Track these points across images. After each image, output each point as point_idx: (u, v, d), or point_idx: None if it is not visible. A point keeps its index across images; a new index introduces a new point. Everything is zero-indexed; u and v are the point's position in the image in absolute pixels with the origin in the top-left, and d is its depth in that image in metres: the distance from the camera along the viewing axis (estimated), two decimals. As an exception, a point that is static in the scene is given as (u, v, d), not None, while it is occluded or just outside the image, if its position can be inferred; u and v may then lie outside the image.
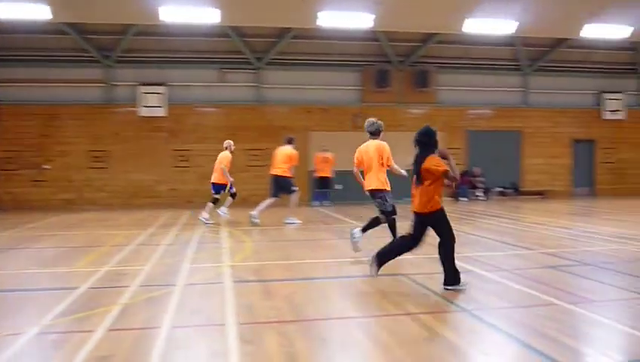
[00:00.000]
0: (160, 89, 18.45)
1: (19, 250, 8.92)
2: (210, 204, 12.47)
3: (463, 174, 20.01)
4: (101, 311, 4.87)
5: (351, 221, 12.70)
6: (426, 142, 5.78)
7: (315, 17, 16.98)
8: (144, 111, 18.38)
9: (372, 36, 19.31)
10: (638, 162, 21.76)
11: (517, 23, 17.92)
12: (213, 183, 12.56)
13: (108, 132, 18.47)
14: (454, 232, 5.69)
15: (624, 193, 20.69)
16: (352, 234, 7.73)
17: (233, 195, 12.91)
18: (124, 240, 9.59)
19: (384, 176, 7.88)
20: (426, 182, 5.58)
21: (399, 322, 4.52)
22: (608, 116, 21.32)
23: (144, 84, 18.42)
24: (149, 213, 15.15)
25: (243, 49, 18.94)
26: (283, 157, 12.14)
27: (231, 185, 12.62)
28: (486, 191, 20.05)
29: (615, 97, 21.35)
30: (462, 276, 5.63)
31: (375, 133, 8.11)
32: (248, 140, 18.98)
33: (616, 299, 5.37)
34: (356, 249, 7.69)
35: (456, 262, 5.65)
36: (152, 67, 18.75)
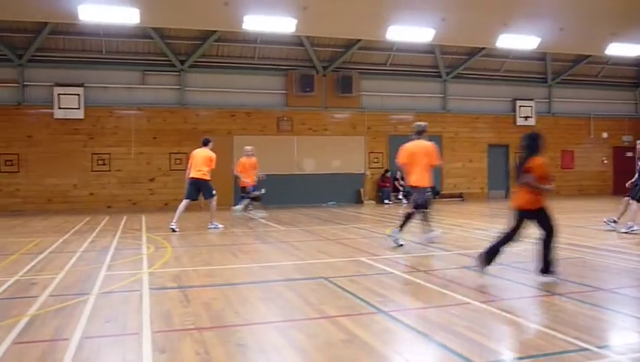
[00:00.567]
0: (77, 90, 17.73)
1: None
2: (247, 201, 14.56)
3: (386, 178, 20.48)
4: (7, 323, 4.62)
5: (274, 225, 12.70)
6: (531, 145, 6.29)
7: (241, 21, 16.87)
8: (60, 113, 17.60)
9: (296, 41, 19.40)
10: (548, 165, 22.95)
11: (434, 32, 18.56)
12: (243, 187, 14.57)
13: (20, 134, 17.54)
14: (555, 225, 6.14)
15: (536, 195, 21.78)
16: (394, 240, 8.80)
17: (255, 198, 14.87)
18: (36, 248, 9.14)
19: (428, 174, 8.88)
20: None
21: (318, 325, 4.55)
22: (521, 122, 22.44)
23: (60, 85, 17.65)
24: (66, 219, 14.53)
25: (166, 51, 18.53)
26: (203, 160, 11.81)
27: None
28: (407, 195, 20.54)
29: (527, 104, 22.52)
30: (384, 276, 5.73)
31: (421, 133, 9.08)
32: (171, 144, 18.62)
33: (525, 297, 5.64)
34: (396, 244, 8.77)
35: (374, 263, 5.73)
36: (69, 67, 17.99)
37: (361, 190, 20.58)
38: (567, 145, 23.26)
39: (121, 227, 12.53)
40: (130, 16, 15.41)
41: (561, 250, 8.44)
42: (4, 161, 17.39)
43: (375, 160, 20.88)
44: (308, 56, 19.92)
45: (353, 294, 5.60)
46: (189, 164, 12.04)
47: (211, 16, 17.13)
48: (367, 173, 20.75)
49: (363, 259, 7.70)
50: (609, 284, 6.15)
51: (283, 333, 4.36)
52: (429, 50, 20.91)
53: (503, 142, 22.55)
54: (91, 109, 17.94)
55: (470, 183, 22.06)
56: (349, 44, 19.90)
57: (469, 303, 5.17)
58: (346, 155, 20.22)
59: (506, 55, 21.72)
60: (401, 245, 8.80)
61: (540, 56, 22.44)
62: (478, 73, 22.21)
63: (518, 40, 19.87)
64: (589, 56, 22.46)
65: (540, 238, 6.25)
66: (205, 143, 12.22)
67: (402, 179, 20.51)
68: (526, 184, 6.15)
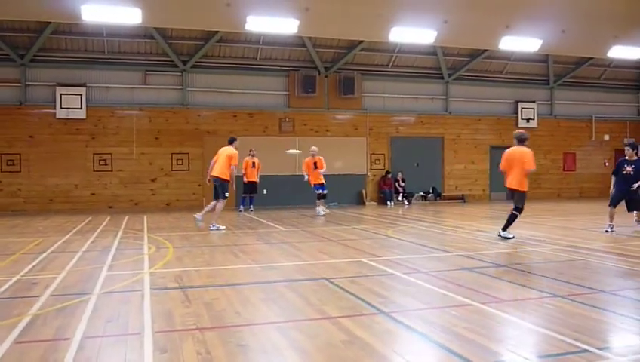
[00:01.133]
0: (79, 90, 17.77)
1: None
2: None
3: (387, 180, 20.47)
4: (8, 322, 4.63)
5: (276, 225, 12.71)
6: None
7: (244, 22, 16.90)
8: (62, 113, 17.65)
9: (299, 42, 19.43)
10: (549, 168, 23.02)
11: (436, 33, 18.58)
12: (315, 184, 15.56)
13: (22, 134, 17.59)
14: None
15: (538, 197, 21.80)
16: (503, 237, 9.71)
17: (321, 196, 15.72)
18: (38, 248, 9.16)
19: (524, 178, 9.63)
20: None
21: (319, 326, 4.56)
22: (523, 124, 22.41)
23: (62, 85, 17.69)
24: (67, 219, 14.56)
25: (168, 51, 18.57)
26: (224, 159, 11.85)
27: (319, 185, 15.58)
28: (409, 196, 20.57)
29: (529, 106, 22.51)
30: (385, 278, 5.74)
31: (522, 140, 9.80)
32: (173, 144, 18.66)
33: (526, 299, 5.63)
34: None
35: (376, 264, 5.73)
36: (71, 67, 18.06)
37: (363, 191, 20.59)
38: (568, 147, 23.25)
39: (122, 227, 12.56)
40: (132, 17, 15.42)
41: (563, 252, 8.46)
42: (5, 160, 17.44)
43: (377, 161, 20.89)
44: (310, 57, 19.95)
45: (354, 295, 5.60)
46: (213, 161, 12.08)
47: (214, 16, 17.16)
48: (369, 174, 20.76)
49: (364, 260, 7.71)
50: (610, 286, 6.14)
51: (284, 334, 4.37)
52: (432, 51, 20.93)
53: (504, 144, 22.44)
54: (93, 109, 17.99)
55: (472, 185, 22.06)
56: (351, 45, 19.92)
57: (470, 304, 5.17)
58: (347, 156, 20.24)
59: (508, 57, 21.73)
60: (512, 237, 9.74)
61: (542, 58, 22.44)
62: (480, 75, 22.22)
63: (521, 42, 19.88)
64: (591, 58, 22.46)
65: None
66: (230, 142, 12.25)
67: (403, 181, 20.57)
68: None
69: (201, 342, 4.12)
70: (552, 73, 23.03)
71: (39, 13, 15.52)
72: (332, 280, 6.36)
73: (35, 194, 17.64)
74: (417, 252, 8.73)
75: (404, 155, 20.99)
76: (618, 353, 3.92)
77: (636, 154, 10.98)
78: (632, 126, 24.31)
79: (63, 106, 17.61)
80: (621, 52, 21.80)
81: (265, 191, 18.65)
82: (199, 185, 18.67)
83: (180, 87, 19.00)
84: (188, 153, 18.75)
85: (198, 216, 11.83)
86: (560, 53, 21.94)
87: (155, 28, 17.79)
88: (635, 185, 10.63)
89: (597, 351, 3.85)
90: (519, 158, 9.67)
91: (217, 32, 18.35)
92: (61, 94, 17.63)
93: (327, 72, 20.20)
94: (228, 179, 11.83)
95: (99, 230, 12.01)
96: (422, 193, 21.06)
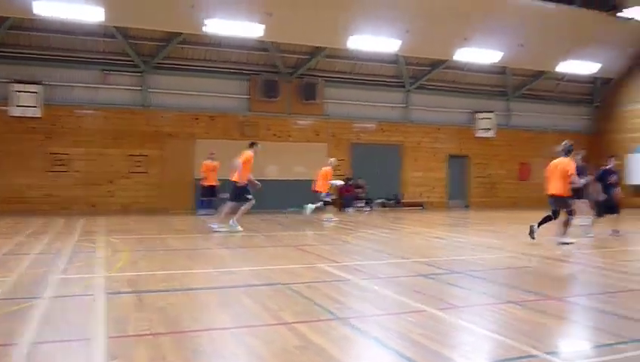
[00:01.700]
0: (35, 88, 17.27)
1: None
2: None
3: (348, 186, 20.58)
4: (-47, 327, 4.48)
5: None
6: None
7: (202, 24, 16.83)
8: (16, 111, 17.11)
9: (261, 46, 19.40)
10: (506, 177, 23.56)
11: (398, 42, 18.89)
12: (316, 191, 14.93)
13: (-27, 132, 17.00)
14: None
15: (494, 205, 22.30)
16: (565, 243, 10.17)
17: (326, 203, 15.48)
18: (-13, 250, 8.87)
19: (562, 185, 10.34)
20: None
21: (275, 332, 4.55)
22: (480, 134, 22.92)
23: (17, 82, 17.17)
24: (19, 220, 14.14)
25: (129, 51, 18.26)
26: (238, 163, 12.03)
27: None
28: (369, 203, 20.73)
29: (486, 117, 23.00)
30: (342, 284, 5.77)
31: (567, 152, 10.57)
32: (132, 146, 18.30)
33: (480, 305, 5.75)
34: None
35: (334, 270, 5.76)
36: (27, 64, 17.54)
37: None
38: (524, 157, 23.81)
39: (78, 229, 12.27)
40: (95, 15, 15.16)
41: (514, 259, 8.67)
42: (-45, 159, 16.82)
43: (337, 168, 20.95)
44: (273, 62, 19.93)
45: (311, 300, 5.61)
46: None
47: (177, 17, 17.04)
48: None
49: (322, 265, 7.73)
50: (560, 293, 6.33)
51: (239, 339, 4.35)
52: (393, 60, 21.19)
53: (462, 153, 22.98)
54: (50, 108, 17.50)
55: (430, 192, 22.37)
56: (315, 51, 19.99)
57: (425, 311, 5.25)
58: (308, 162, 20.23)
59: (467, 68, 22.18)
60: (572, 242, 10.21)
61: (501, 70, 22.99)
62: (441, 85, 22.60)
63: (480, 54, 20.42)
64: (547, 71, 23.14)
65: None
66: (250, 146, 12.39)
67: (363, 187, 20.69)
68: None
69: (155, 347, 4.06)
70: (509, 85, 23.60)
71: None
72: (289, 285, 6.36)
73: (-14, 194, 17.05)
74: (375, 258, 8.81)
75: (365, 162, 21.14)
76: (566, 358, 4.05)
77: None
78: (585, 138, 25.08)
79: (18, 104, 17.07)
80: (574, 67, 22.69)
81: (225, 196, 18.48)
82: (158, 188, 18.39)
83: (141, 87, 18.69)
84: (147, 155, 18.44)
85: (214, 225, 12.01)
86: (517, 65, 22.59)
87: (115, 27, 17.49)
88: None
89: (545, 355, 3.96)
90: (560, 167, 10.41)
91: (180, 33, 18.16)
92: (16, 91, 17.10)
93: (289, 77, 20.21)
94: (237, 181, 11.92)
95: (53, 232, 11.71)
96: (382, 199, 21.24)
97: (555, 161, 10.60)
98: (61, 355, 3.95)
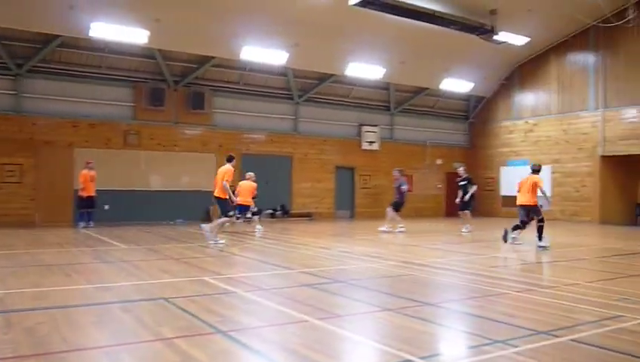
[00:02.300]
0: None
1: None
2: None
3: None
4: None
5: (116, 243, 12.09)
6: None
7: (88, 27, 16.12)
8: None
9: (147, 53, 18.80)
10: (390, 188, 24.43)
11: (287, 55, 19.15)
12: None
13: None
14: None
15: (378, 215, 23.03)
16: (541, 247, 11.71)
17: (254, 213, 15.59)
18: None
19: (531, 196, 11.87)
20: None
21: (151, 348, 4.41)
22: (366, 146, 23.74)
23: None
24: None
25: (1, 53, 16.94)
26: (219, 177, 12.12)
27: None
28: (257, 213, 20.65)
29: (371, 130, 23.87)
30: (226, 296, 5.70)
31: (534, 171, 12.28)
32: (3, 154, 16.92)
33: (361, 313, 5.91)
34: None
35: (218, 283, 5.68)
36: None
37: (211, 208, 20.31)
38: (407, 170, 24.90)
39: None
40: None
41: (395, 267, 9.03)
42: None
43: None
44: (159, 70, 19.37)
45: (193, 314, 5.50)
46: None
47: (55, 19, 16.13)
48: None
49: (206, 278, 7.60)
50: (435, 299, 6.67)
51: (113, 358, 4.17)
52: (282, 72, 21.39)
53: (349, 164, 23.63)
54: None
55: (319, 203, 22.75)
56: (203, 60, 19.70)
57: (306, 321, 5.32)
58: (195, 172, 19.87)
59: (354, 83, 22.91)
60: (546, 247, 11.64)
61: (385, 86, 23.98)
62: (328, 98, 23.14)
63: (365, 69, 21.18)
64: (427, 88, 24.47)
65: None
66: (228, 160, 12.40)
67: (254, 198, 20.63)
68: None
69: (19, 371, 3.80)
70: (392, 100, 24.65)
71: None
72: (171, 299, 6.20)
73: None
74: (261, 269, 8.81)
75: (254, 173, 21.08)
76: (440, 361, 4.28)
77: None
78: (460, 152, 26.75)
79: None
80: (451, 85, 24.26)
81: (106, 207, 17.68)
82: (32, 200, 17.17)
83: (14, 92, 17.37)
84: (21, 164, 17.18)
85: (211, 242, 11.77)
86: (399, 82, 23.70)
87: (-16, 26, 16.20)
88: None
89: (420, 360, 4.15)
90: (529, 183, 11.96)
91: (58, 35, 17.13)
92: None
93: (176, 85, 19.75)
94: (222, 196, 12.03)
95: None
96: (270, 210, 21.28)
97: (524, 176, 12.26)
98: None
